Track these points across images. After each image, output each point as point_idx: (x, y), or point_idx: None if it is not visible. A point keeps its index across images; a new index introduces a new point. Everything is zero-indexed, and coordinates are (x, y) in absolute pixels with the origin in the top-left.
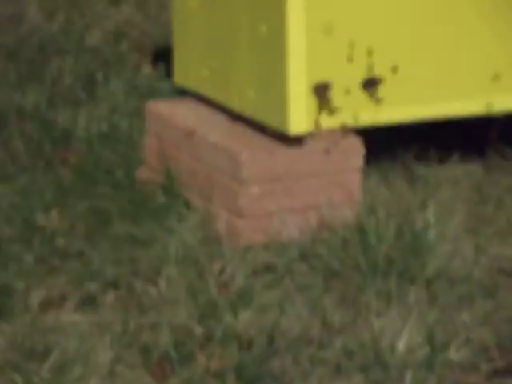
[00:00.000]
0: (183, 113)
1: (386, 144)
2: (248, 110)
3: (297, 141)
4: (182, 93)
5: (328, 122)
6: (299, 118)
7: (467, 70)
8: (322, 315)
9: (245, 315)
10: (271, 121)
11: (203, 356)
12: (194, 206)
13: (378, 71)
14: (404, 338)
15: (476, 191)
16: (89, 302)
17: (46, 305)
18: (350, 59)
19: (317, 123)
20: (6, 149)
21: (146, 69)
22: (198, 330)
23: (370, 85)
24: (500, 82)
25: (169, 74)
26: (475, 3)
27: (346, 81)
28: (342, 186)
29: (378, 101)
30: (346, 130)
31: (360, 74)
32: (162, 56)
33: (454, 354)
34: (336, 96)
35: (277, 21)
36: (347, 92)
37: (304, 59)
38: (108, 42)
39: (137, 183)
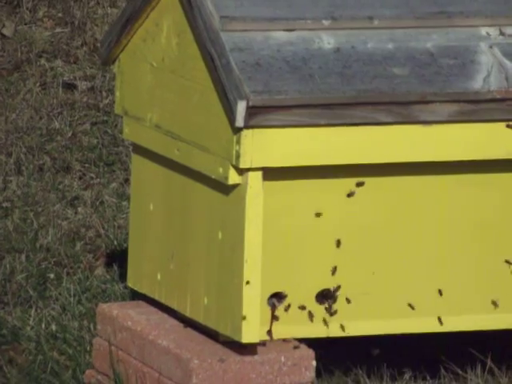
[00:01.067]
0: (134, 316)
1: (338, 357)
2: (200, 316)
3: (249, 349)
4: (135, 296)
5: (281, 332)
6: (252, 326)
7: (417, 286)
8: None
9: None
10: (224, 328)
11: None
12: None
13: (332, 285)
14: None
15: None
16: None
17: None
18: (305, 271)
19: (269, 333)
20: None
21: (99, 271)
22: None
23: (325, 298)
24: (448, 300)
25: (122, 276)
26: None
27: (300, 292)
28: None
29: (331, 314)
30: (298, 341)
31: (315, 287)
32: (116, 258)
33: None
34: (290, 306)
35: (234, 229)
36: (302, 303)
37: (259, 269)
38: (62, 242)
39: None
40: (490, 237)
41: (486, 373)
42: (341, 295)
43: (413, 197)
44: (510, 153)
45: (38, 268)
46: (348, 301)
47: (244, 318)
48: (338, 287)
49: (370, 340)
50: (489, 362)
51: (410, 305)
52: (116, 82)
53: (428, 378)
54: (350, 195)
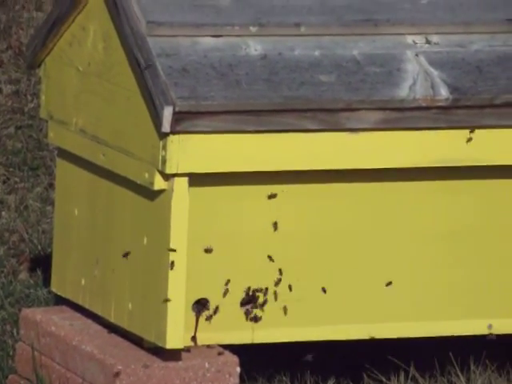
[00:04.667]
0: (58, 321)
1: (263, 364)
2: (125, 322)
3: (173, 355)
4: (59, 301)
5: (205, 338)
6: (176, 332)
7: (342, 294)
8: None
9: None
10: (148, 334)
11: None
12: None
13: (256, 292)
14: None
15: None
16: None
17: None
18: (230, 277)
19: (194, 339)
20: None
21: (23, 275)
22: None
23: (249, 304)
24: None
25: (46, 281)
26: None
27: (225, 299)
28: None
29: (255, 320)
30: (222, 348)
31: (239, 293)
32: (40, 263)
33: None
34: (215, 313)
35: (159, 235)
36: (225, 309)
37: (184, 275)
38: None
39: None
40: (413, 242)
41: (409, 380)
42: (265, 301)
43: (338, 203)
44: (435, 161)
45: None
46: (269, 310)
47: (168, 323)
48: (264, 293)
49: (294, 346)
50: (411, 370)
51: (341, 313)
52: (41, 86)
53: None
54: (270, 197)
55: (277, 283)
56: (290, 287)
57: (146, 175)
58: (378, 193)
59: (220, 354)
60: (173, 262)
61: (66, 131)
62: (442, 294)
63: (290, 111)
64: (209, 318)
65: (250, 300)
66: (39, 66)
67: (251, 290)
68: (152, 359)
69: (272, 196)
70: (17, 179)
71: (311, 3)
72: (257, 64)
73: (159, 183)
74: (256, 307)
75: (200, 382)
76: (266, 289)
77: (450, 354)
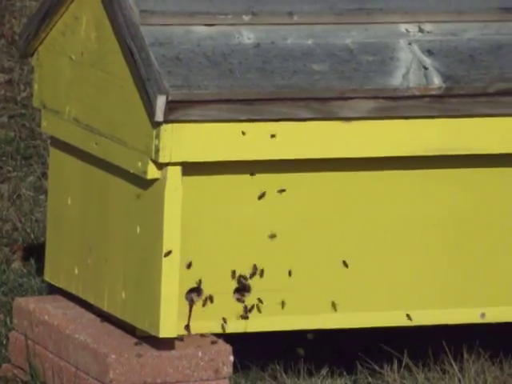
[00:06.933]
0: (51, 310)
1: (256, 352)
2: (118, 311)
3: (166, 344)
4: (52, 290)
5: (198, 327)
6: (169, 321)
7: (336, 283)
8: None
9: None
10: (141, 323)
11: None
12: None
13: (249, 280)
14: None
15: None
16: None
17: None
18: (223, 266)
19: (187, 328)
20: None
21: (16, 264)
22: None
23: (242, 292)
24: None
25: (39, 270)
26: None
27: (217, 287)
28: None
29: (249, 309)
30: (216, 336)
31: (234, 282)
32: (33, 252)
33: None
34: (208, 301)
35: (153, 224)
36: (219, 298)
37: (178, 264)
38: None
39: None
40: (407, 231)
41: (402, 369)
42: (259, 290)
43: (331, 192)
44: (428, 150)
45: None
46: (263, 298)
47: (161, 312)
48: (256, 282)
49: (287, 335)
50: (405, 359)
51: (333, 303)
52: (34, 75)
53: (345, 373)
54: (260, 197)
55: (270, 271)
56: (283, 275)
57: (139, 164)
58: (371, 182)
59: (213, 342)
60: (167, 252)
61: (59, 120)
62: (435, 283)
63: (282, 100)
64: (203, 306)
65: (244, 288)
66: (32, 55)
67: (245, 278)
68: (145, 348)
69: (262, 195)
70: (10, 168)
71: None
72: (250, 53)
73: (152, 172)
74: (249, 296)
75: (193, 370)
76: (260, 276)
77: (443, 342)
